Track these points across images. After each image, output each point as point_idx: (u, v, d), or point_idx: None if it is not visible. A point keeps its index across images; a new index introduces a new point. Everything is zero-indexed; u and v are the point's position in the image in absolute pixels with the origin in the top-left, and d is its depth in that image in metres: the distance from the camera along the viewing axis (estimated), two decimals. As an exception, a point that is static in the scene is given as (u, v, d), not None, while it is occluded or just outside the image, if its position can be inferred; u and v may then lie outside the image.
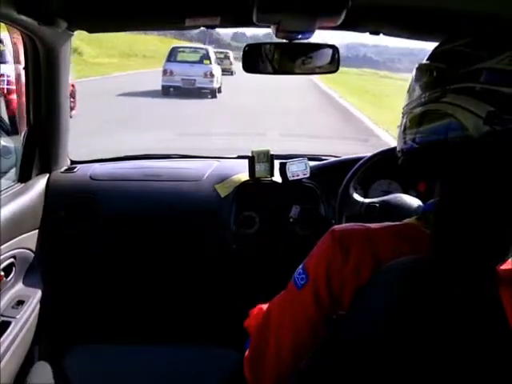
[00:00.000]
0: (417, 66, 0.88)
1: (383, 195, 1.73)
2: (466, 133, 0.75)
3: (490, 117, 0.73)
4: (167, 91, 12.76)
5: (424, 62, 0.87)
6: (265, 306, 1.08)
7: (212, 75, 12.98)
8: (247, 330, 1.06)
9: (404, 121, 0.88)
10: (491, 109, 0.73)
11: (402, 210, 0.88)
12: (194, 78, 12.72)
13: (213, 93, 13.08)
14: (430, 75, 0.82)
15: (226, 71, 17.03)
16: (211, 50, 14.87)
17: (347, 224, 0.88)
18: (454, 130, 0.76)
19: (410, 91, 0.88)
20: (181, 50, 14.36)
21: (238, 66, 16.39)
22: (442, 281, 0.66)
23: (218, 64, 15.03)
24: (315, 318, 0.82)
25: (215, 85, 13.11)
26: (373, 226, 0.83)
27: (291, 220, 1.74)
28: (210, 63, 13.47)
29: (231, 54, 20.62)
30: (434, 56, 0.85)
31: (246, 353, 0.94)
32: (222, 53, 19.32)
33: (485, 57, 0.75)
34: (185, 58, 13.64)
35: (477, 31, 0.82)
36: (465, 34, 0.81)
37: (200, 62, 13.39)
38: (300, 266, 0.86)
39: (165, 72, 12.88)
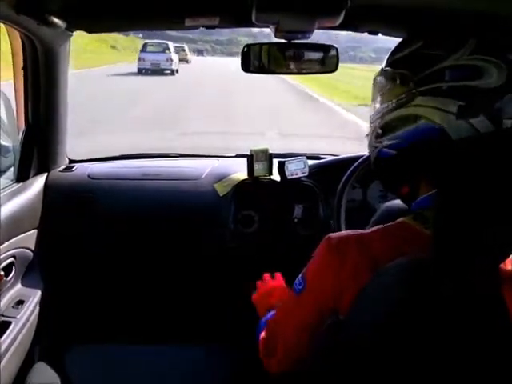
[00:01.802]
0: (377, 74, 0.90)
1: (381, 194, 1.74)
2: (441, 131, 0.77)
3: (462, 111, 0.76)
4: (141, 72, 18.67)
5: (384, 69, 0.88)
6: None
7: (171, 60, 19.35)
8: (255, 304, 1.19)
9: (374, 129, 0.89)
10: (461, 103, 0.76)
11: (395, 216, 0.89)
12: (159, 62, 18.91)
13: (172, 72, 19.27)
14: (394, 82, 0.84)
15: (183, 60, 24.21)
16: (171, 44, 21.10)
17: (342, 231, 0.90)
18: (429, 130, 0.78)
19: (376, 99, 0.89)
20: (149, 44, 20.44)
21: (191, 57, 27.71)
22: (442, 281, 0.66)
23: (176, 53, 21.38)
24: (315, 323, 0.84)
25: (174, 67, 19.44)
26: (366, 230, 0.84)
27: (296, 220, 1.75)
28: (170, 52, 19.77)
29: (186, 47, 28.77)
30: (393, 63, 0.86)
31: (261, 336, 1.01)
32: (179, 47, 26.02)
33: (443, 56, 0.78)
34: (152, 49, 19.68)
35: (429, 31, 0.84)
36: (419, 35, 0.83)
37: (163, 51, 19.46)
38: (300, 275, 0.89)
39: (139, 59, 19.01)
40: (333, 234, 0.85)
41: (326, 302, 0.82)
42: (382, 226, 0.84)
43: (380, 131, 0.87)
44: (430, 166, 0.80)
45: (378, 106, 0.88)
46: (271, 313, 1.06)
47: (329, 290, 0.81)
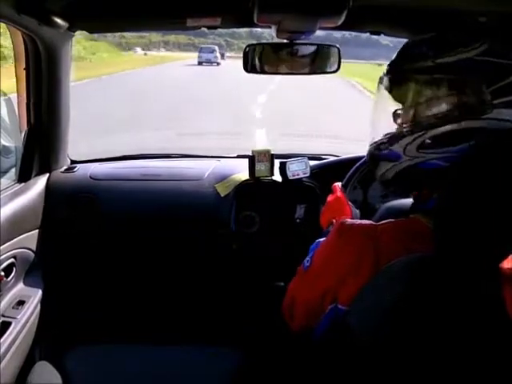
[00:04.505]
0: (432, 77, 0.79)
1: (382, 195, 1.74)
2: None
3: None
4: (199, 63, 28.35)
5: (438, 75, 0.78)
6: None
7: (216, 57, 29.25)
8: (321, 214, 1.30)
9: (417, 138, 0.79)
10: None
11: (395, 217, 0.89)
12: (210, 58, 28.82)
13: (217, 64, 28.79)
14: (454, 88, 0.76)
15: (219, 58, 34.84)
16: (216, 47, 31.70)
17: (356, 220, 0.91)
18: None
19: (416, 103, 0.80)
20: (203, 48, 30.79)
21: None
22: (444, 278, 0.66)
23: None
24: (317, 302, 0.87)
25: (218, 60, 29.27)
26: (380, 222, 0.85)
27: (297, 221, 1.75)
28: (216, 52, 29.76)
29: (217, 49, 37.01)
30: (450, 66, 0.77)
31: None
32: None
33: None
34: (205, 51, 29.70)
35: (489, 33, 0.79)
36: (479, 37, 0.78)
37: (211, 52, 29.63)
38: (310, 253, 0.92)
39: (199, 56, 28.93)
40: (347, 221, 0.87)
41: (328, 285, 0.84)
42: (394, 220, 0.84)
43: (429, 141, 0.78)
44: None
45: (422, 111, 0.79)
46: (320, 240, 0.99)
47: (330, 274, 0.83)
